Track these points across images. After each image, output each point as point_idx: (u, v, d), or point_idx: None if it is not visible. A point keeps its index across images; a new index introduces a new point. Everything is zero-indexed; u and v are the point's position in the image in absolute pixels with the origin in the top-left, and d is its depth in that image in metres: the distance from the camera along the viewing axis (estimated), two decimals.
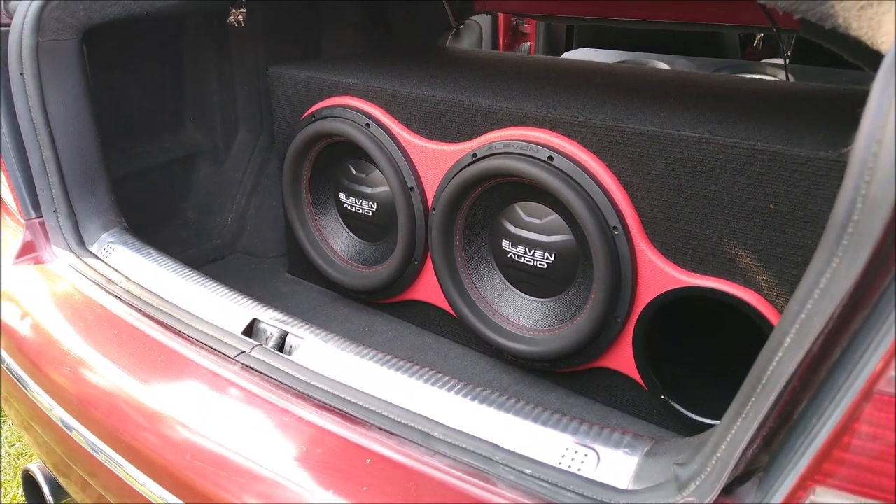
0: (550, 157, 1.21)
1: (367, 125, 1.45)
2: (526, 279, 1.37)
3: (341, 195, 1.64)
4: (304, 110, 1.59)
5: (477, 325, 1.40)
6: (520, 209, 1.34)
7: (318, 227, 1.68)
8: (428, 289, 1.51)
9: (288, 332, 1.01)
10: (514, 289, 1.40)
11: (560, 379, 1.39)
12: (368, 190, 1.58)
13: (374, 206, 1.58)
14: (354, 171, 1.60)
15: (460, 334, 1.52)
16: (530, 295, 1.38)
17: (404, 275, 1.52)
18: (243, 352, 0.99)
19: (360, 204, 1.60)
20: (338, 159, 1.61)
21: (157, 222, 1.86)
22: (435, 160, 1.40)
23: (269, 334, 1.02)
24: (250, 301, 1.09)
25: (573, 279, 1.31)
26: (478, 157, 1.30)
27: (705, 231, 1.11)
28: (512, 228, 1.36)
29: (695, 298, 1.14)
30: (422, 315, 1.57)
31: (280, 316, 1.04)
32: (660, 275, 1.16)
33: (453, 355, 1.49)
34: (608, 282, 1.19)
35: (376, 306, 1.65)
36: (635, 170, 1.15)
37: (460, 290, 1.42)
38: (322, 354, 0.96)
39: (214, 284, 1.14)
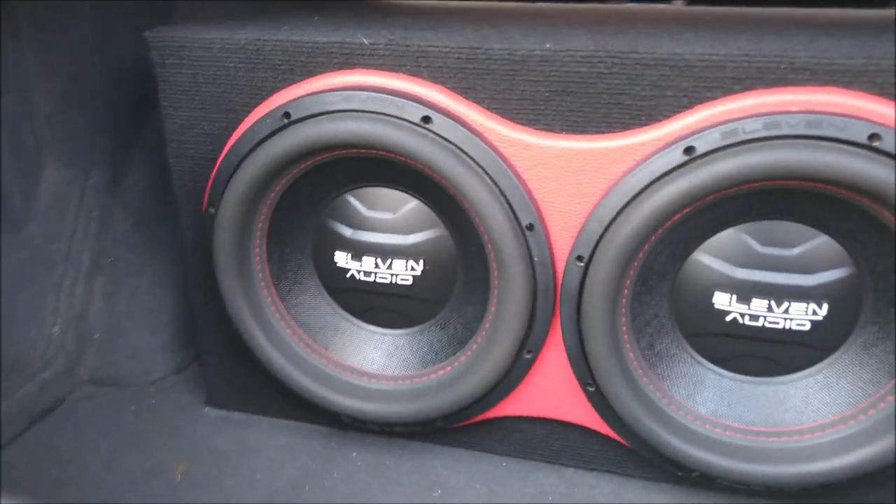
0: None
1: (426, 119, 0.76)
2: (753, 352, 0.81)
3: (339, 256, 0.90)
4: (244, 110, 0.83)
5: (677, 445, 0.80)
6: (748, 237, 0.77)
7: (286, 316, 0.92)
8: (546, 397, 0.87)
9: None
10: (729, 373, 0.83)
11: None
12: (400, 240, 0.87)
13: (420, 268, 0.88)
14: (365, 211, 0.88)
15: (602, 459, 0.90)
16: (767, 376, 0.82)
17: (508, 378, 0.85)
18: None
19: (387, 266, 0.88)
20: (328, 192, 0.88)
21: None
22: (576, 171, 0.76)
23: None
24: None
25: (845, 340, 0.78)
26: (698, 152, 0.70)
27: None
28: (729, 271, 0.78)
29: None
30: (517, 437, 0.92)
31: None
32: None
33: None
34: None
35: (427, 437, 0.95)
36: None
37: (635, 390, 0.81)
38: None
39: None
